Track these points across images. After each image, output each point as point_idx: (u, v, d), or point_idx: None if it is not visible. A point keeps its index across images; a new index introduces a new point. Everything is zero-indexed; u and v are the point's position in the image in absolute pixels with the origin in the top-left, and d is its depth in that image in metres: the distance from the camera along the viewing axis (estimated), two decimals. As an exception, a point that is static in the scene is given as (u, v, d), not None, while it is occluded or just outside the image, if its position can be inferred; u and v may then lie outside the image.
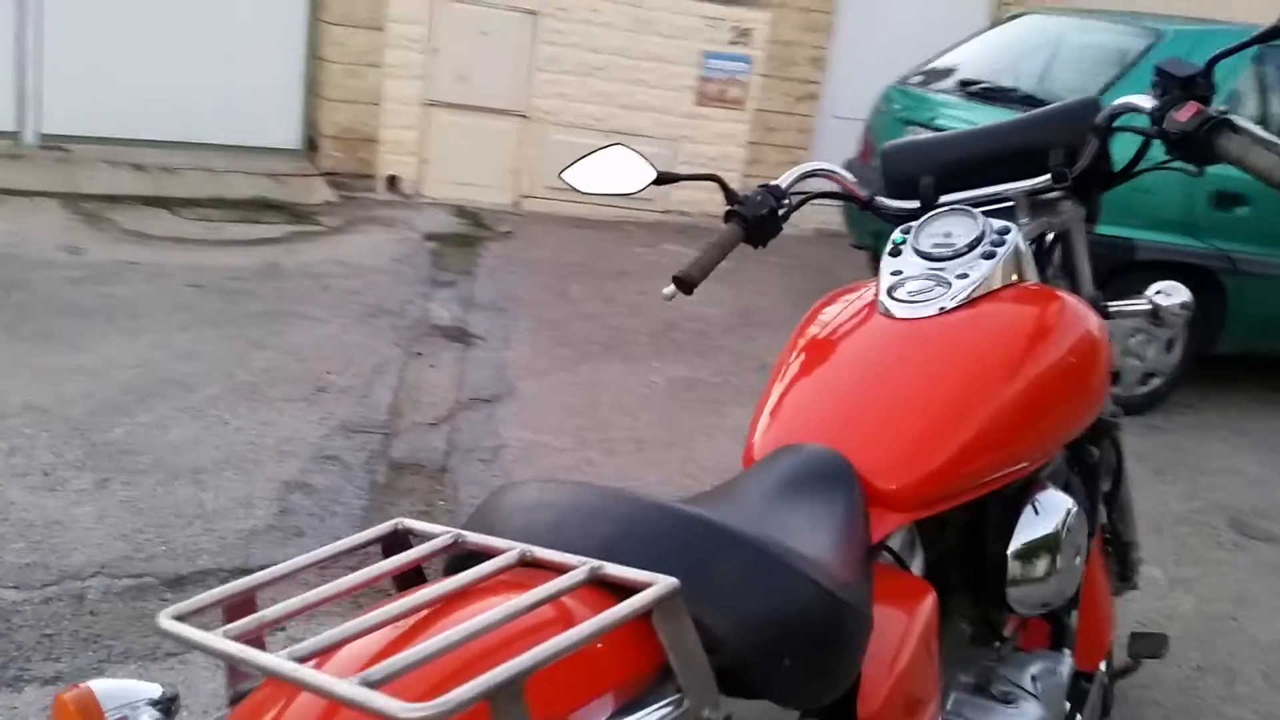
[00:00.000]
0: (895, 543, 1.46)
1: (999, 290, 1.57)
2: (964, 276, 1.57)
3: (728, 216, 1.74)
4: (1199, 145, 1.59)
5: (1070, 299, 1.60)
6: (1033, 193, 1.73)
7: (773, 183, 1.77)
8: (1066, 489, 1.69)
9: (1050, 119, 1.80)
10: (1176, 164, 1.67)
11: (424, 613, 0.92)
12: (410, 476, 3.11)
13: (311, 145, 6.38)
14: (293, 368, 3.70)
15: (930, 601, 1.31)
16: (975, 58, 5.33)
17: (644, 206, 6.51)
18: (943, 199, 1.77)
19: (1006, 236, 1.63)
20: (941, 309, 1.53)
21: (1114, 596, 2.10)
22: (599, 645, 0.91)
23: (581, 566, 0.94)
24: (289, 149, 6.31)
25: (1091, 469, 1.81)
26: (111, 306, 4.00)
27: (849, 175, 1.85)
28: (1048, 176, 1.71)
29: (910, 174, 1.80)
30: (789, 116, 7.27)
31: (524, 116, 6.46)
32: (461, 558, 1.03)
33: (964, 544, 1.59)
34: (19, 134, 5.57)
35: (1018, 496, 1.55)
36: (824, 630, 1.08)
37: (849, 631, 1.11)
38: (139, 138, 5.79)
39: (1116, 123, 1.69)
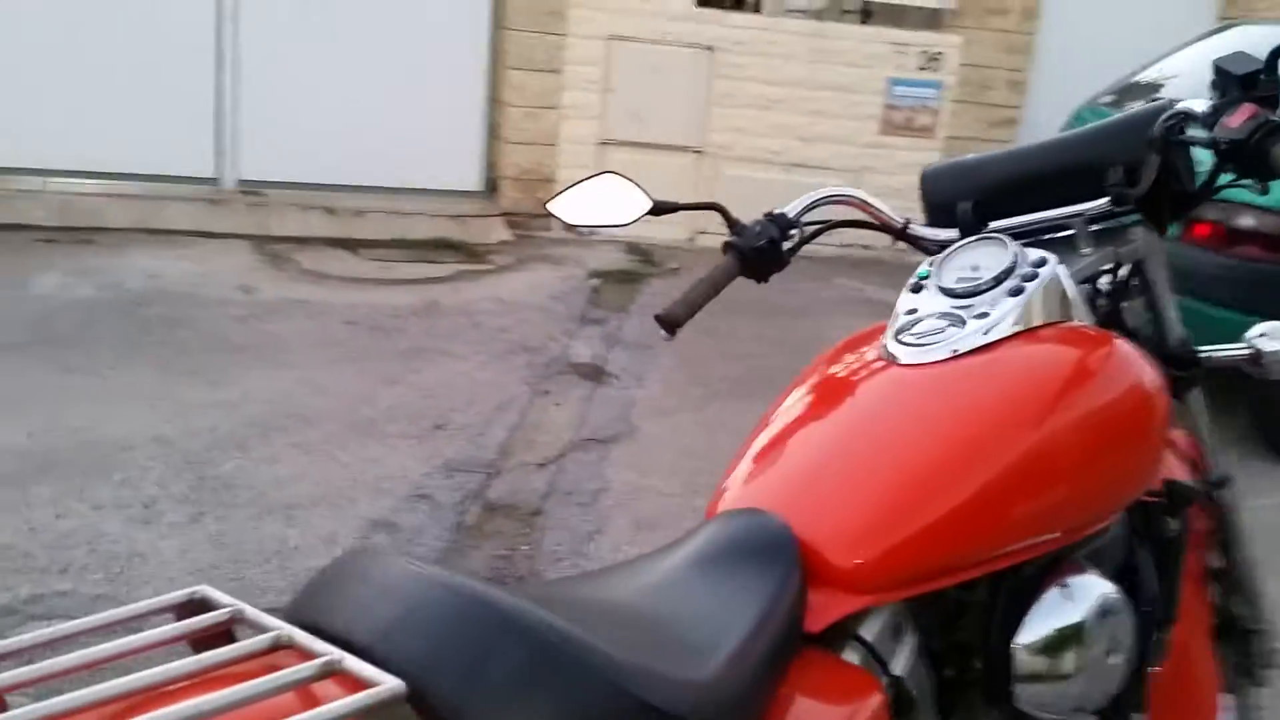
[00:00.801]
0: (874, 628, 1.23)
1: (1028, 332, 1.35)
2: (983, 316, 1.36)
3: (725, 248, 1.59)
4: (1251, 155, 1.35)
5: (1119, 343, 1.37)
6: (1093, 218, 1.50)
7: (779, 210, 1.59)
8: (1128, 570, 1.43)
9: (1107, 133, 1.56)
10: (1244, 179, 1.42)
11: (161, 689, 0.84)
12: (500, 519, 3.06)
13: (492, 186, 6.54)
14: (417, 405, 3.75)
15: (875, 702, 1.13)
16: (1177, 72, 4.88)
17: (825, 241, 6.30)
18: (992, 226, 1.56)
19: (1041, 270, 1.41)
20: (954, 352, 1.32)
21: (1235, 694, 1.80)
22: None
23: (323, 658, 0.84)
24: (472, 190, 6.50)
25: (1169, 544, 1.52)
26: (266, 343, 4.18)
27: (876, 201, 1.64)
28: (1107, 200, 1.49)
29: (950, 199, 1.60)
30: (984, 143, 6.88)
31: (699, 152, 6.40)
32: None
33: (979, 631, 1.37)
34: (218, 180, 5.97)
35: (1038, 577, 1.31)
36: None
37: None
38: (331, 182, 6.09)
39: (1177, 133, 1.44)
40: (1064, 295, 1.41)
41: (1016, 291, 1.39)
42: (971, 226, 1.56)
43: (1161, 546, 1.49)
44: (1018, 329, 1.35)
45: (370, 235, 5.83)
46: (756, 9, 6.79)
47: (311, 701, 0.82)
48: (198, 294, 4.67)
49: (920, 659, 1.29)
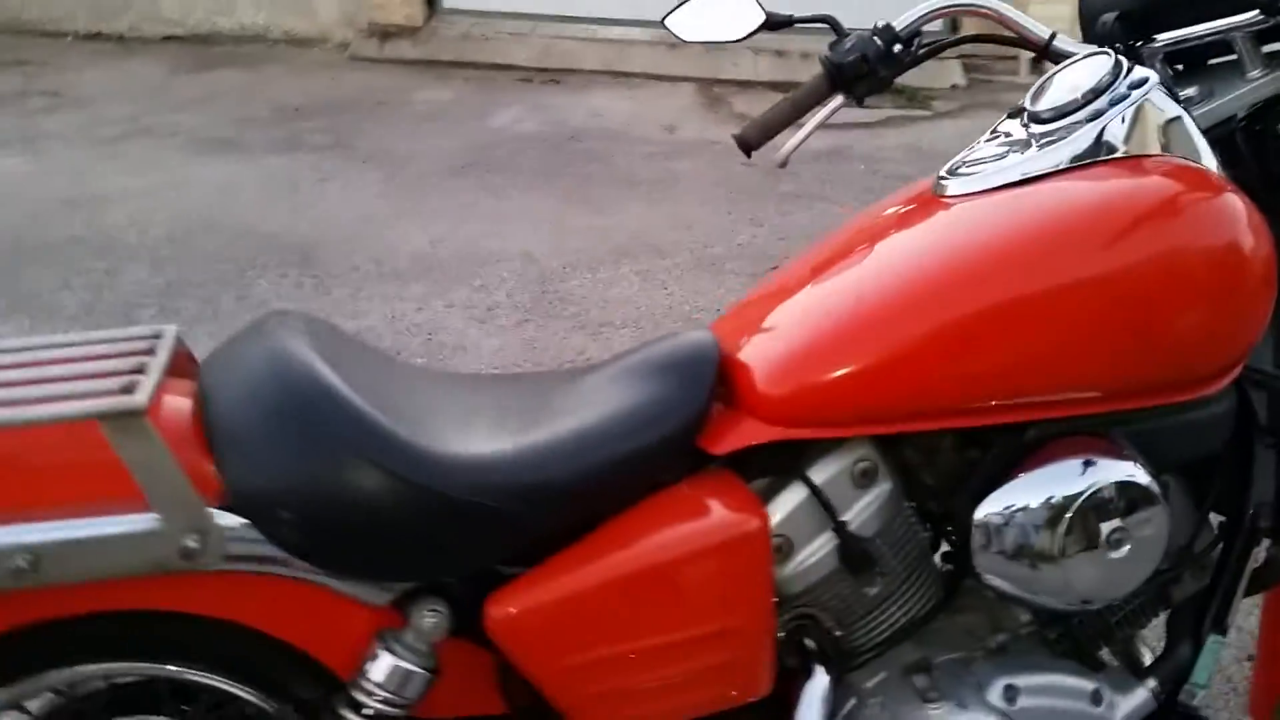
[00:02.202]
0: (826, 470, 1.23)
1: (1101, 164, 1.22)
2: (1052, 142, 1.25)
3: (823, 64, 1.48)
4: None
5: (1223, 187, 1.20)
6: (1262, 33, 1.29)
7: (885, 23, 1.44)
8: (1222, 465, 1.30)
9: None
10: None
11: None
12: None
13: (953, 26, 6.25)
14: (769, 246, 3.88)
15: (753, 526, 1.17)
16: None
17: None
18: (1143, 45, 1.38)
19: (1134, 91, 1.25)
20: (1006, 182, 1.23)
21: None
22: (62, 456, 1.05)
23: (133, 359, 1.07)
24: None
25: (1245, 439, 1.31)
26: (662, 179, 4.50)
27: (1012, 11, 1.43)
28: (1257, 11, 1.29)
29: (1104, 8, 1.41)
30: None
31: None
32: None
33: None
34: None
35: (1046, 444, 1.22)
36: (348, 497, 1.08)
37: (411, 513, 1.09)
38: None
39: None
40: (1163, 123, 1.23)
41: (1096, 115, 1.25)
42: (1118, 42, 1.36)
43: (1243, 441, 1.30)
44: (1097, 158, 1.22)
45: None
46: None
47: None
48: (626, 132, 5.09)
49: (899, 517, 1.27)
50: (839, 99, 1.44)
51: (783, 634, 1.26)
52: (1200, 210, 1.21)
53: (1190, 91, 1.33)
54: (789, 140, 1.46)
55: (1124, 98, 1.25)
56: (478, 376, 1.37)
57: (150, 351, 1.09)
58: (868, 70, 1.41)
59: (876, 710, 1.27)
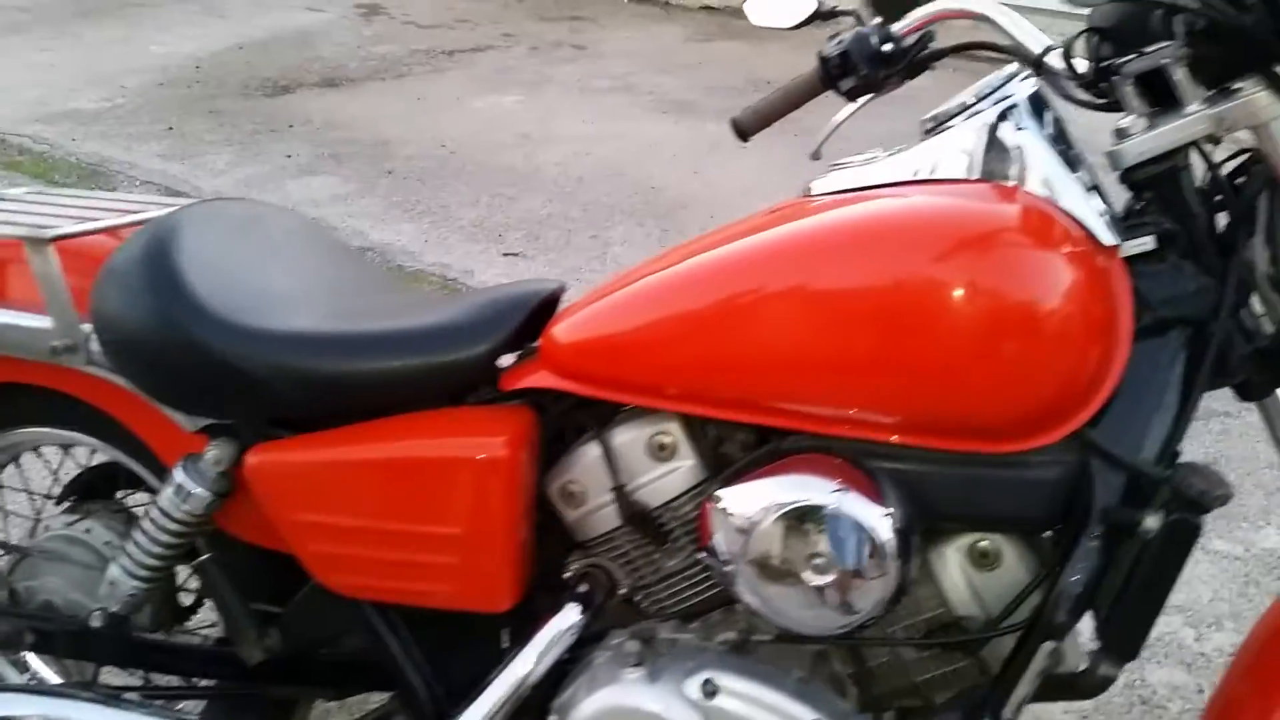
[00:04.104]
0: (623, 434, 1.28)
1: (931, 181, 1.18)
2: (899, 153, 1.24)
3: None
4: None
5: (1049, 224, 1.10)
6: (1205, 66, 1.12)
7: (881, 20, 1.39)
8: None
9: None
10: None
11: None
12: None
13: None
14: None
15: (500, 454, 1.27)
16: None
17: None
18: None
19: (989, 110, 1.20)
20: (849, 188, 1.23)
21: None
22: None
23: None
24: None
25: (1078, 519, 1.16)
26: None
27: (1010, 20, 1.29)
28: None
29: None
30: None
31: None
32: None
33: None
34: None
35: (793, 455, 1.19)
36: (157, 347, 1.35)
37: (202, 367, 1.33)
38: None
39: None
40: (1017, 147, 1.15)
41: (935, 132, 1.23)
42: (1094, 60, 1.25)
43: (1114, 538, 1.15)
44: (923, 175, 1.18)
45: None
46: None
47: None
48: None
49: (689, 489, 1.29)
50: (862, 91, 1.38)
51: (570, 573, 1.34)
52: (1014, 248, 1.10)
53: (1127, 122, 1.16)
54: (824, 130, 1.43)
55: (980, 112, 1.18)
56: (366, 272, 1.56)
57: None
58: (852, 69, 1.36)
59: (592, 661, 1.30)
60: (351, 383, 1.33)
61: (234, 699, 1.61)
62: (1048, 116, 1.20)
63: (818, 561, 1.13)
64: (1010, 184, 1.14)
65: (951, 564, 1.20)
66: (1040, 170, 1.14)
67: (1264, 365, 1.18)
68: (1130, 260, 1.13)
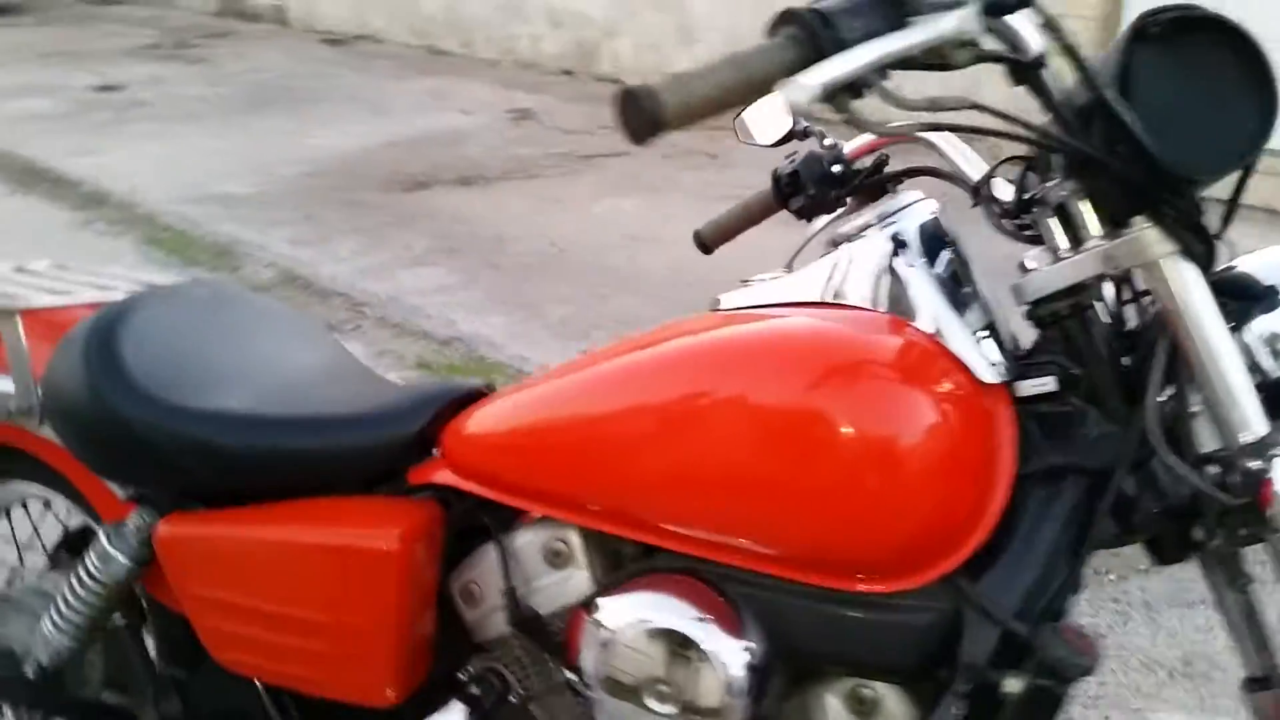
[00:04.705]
0: (521, 539, 1.26)
1: (805, 304, 1.16)
2: (795, 272, 1.25)
3: None
4: None
5: (907, 358, 1.07)
6: (1093, 192, 1.06)
7: (834, 142, 1.41)
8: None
9: None
10: None
11: None
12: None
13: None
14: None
15: (387, 547, 1.25)
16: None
17: None
18: None
19: (864, 233, 1.20)
20: (742, 306, 1.22)
21: None
22: None
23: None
24: None
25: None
26: None
27: (956, 148, 1.29)
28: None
29: None
30: None
31: None
32: None
33: None
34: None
35: (651, 573, 1.17)
36: (86, 420, 1.39)
37: (123, 441, 1.37)
38: None
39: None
40: (888, 274, 1.12)
41: (826, 254, 1.23)
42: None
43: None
44: (802, 299, 1.16)
45: None
46: None
47: None
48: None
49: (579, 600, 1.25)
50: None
51: (472, 671, 1.31)
52: (886, 381, 1.06)
53: (1031, 255, 1.10)
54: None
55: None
56: (332, 361, 1.57)
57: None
58: (802, 188, 1.35)
59: None
60: (252, 462, 1.34)
61: None
62: (944, 252, 1.15)
63: (662, 688, 1.10)
64: (900, 317, 1.08)
65: (830, 708, 1.13)
66: (926, 306, 1.08)
67: (1173, 526, 1.05)
68: (1031, 401, 1.07)
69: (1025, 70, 0.99)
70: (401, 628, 1.27)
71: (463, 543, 1.31)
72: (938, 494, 1.03)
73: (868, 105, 0.95)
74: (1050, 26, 0.98)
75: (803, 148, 1.39)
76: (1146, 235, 0.99)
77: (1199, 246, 0.99)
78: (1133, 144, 0.94)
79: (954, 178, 1.26)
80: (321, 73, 7.93)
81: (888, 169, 1.35)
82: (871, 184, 1.34)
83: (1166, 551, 1.09)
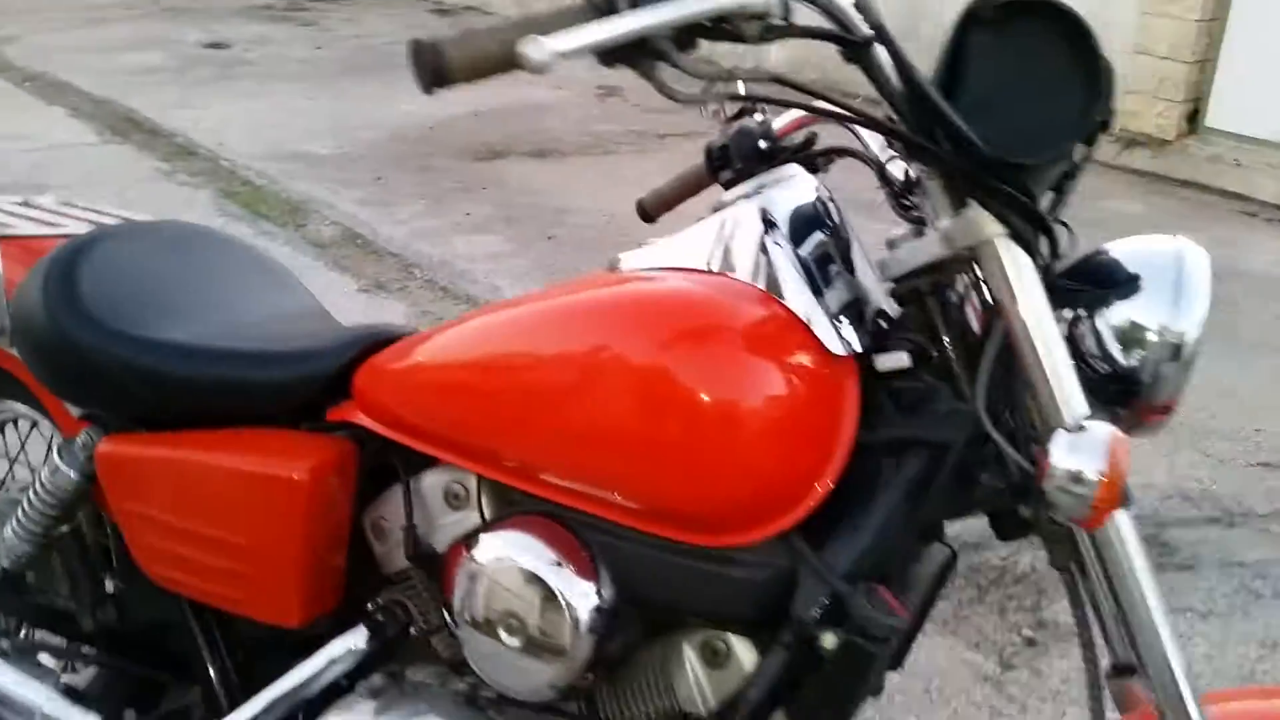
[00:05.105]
0: (425, 479, 1.31)
1: (675, 269, 1.19)
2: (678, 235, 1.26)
3: None
4: None
5: (793, 329, 1.10)
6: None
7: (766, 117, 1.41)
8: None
9: None
10: None
11: None
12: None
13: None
14: None
15: (294, 477, 1.31)
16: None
17: None
18: None
19: (732, 204, 1.23)
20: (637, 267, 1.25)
21: None
22: None
23: None
24: None
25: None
26: None
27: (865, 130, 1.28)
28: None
29: None
30: None
31: None
32: None
33: None
34: None
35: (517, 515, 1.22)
36: (45, 344, 1.47)
37: (74, 365, 1.44)
38: None
39: None
40: (757, 244, 1.14)
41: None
42: None
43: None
44: (681, 263, 1.18)
45: None
46: None
47: None
48: None
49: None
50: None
51: (380, 602, 1.36)
52: (733, 345, 1.10)
53: (896, 233, 1.15)
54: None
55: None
56: (287, 300, 1.62)
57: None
58: (729, 162, 1.36)
59: (352, 690, 1.35)
60: (184, 389, 1.41)
61: (112, 669, 1.68)
62: (817, 233, 1.17)
63: (513, 623, 1.15)
64: (760, 288, 1.11)
65: (686, 657, 1.17)
66: (787, 281, 1.11)
67: (1010, 504, 1.05)
68: (890, 376, 1.11)
69: (856, 50, 0.97)
70: (309, 554, 1.33)
71: (379, 480, 1.35)
72: (775, 456, 1.06)
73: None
74: (860, 8, 0.98)
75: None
76: (977, 217, 1.00)
77: (1028, 230, 0.99)
78: (951, 129, 0.96)
79: (866, 158, 1.26)
80: (423, 43, 8.04)
81: (816, 146, 1.34)
82: (799, 160, 1.32)
83: (1006, 529, 1.11)
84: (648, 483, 1.09)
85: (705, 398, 1.06)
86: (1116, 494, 0.93)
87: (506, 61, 0.88)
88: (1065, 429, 0.96)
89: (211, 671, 1.49)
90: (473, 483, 1.26)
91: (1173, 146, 5.56)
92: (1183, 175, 5.40)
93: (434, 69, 0.88)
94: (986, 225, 0.99)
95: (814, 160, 1.31)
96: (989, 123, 0.96)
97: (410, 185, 5.13)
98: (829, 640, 1.03)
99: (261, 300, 1.60)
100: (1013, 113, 0.97)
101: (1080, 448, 0.94)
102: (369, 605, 1.36)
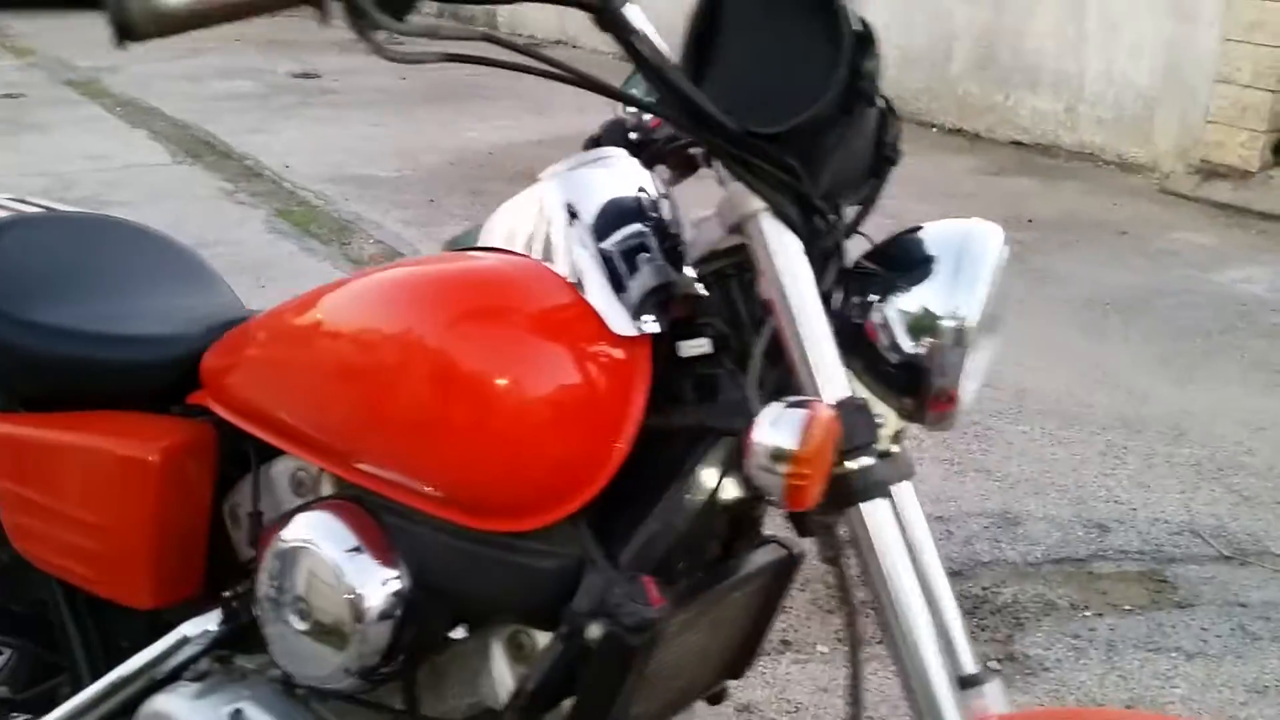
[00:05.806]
0: (276, 465, 1.30)
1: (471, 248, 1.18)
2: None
3: None
4: None
5: (581, 313, 1.06)
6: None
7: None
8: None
9: None
10: None
11: None
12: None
13: None
14: None
15: (146, 458, 1.32)
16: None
17: None
18: None
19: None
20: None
21: None
22: None
23: None
24: None
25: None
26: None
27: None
28: None
29: None
30: None
31: None
32: None
33: None
34: None
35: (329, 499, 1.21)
36: None
37: None
38: None
39: None
40: (550, 231, 1.11)
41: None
42: None
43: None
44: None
45: None
46: None
47: None
48: None
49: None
50: None
51: (237, 590, 1.32)
52: (514, 327, 1.08)
53: (699, 214, 1.08)
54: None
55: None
56: (191, 291, 1.62)
57: None
58: None
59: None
60: (51, 368, 1.43)
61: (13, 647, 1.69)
62: (629, 226, 1.11)
63: (302, 606, 1.13)
64: (557, 273, 1.07)
65: (494, 653, 1.15)
66: (583, 267, 1.06)
67: None
68: (693, 362, 1.05)
69: (600, 16, 0.91)
70: (162, 537, 1.33)
71: (244, 465, 1.33)
72: (555, 439, 1.02)
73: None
74: None
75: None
76: (737, 191, 0.96)
77: (788, 206, 0.94)
78: (688, 102, 0.91)
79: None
80: (504, 73, 8.16)
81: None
82: (670, 150, 1.24)
83: (803, 524, 1.04)
84: (437, 466, 1.07)
85: (484, 380, 1.03)
86: (816, 473, 0.84)
87: (201, 15, 0.83)
88: (777, 405, 0.87)
89: (74, 650, 1.49)
90: (315, 469, 1.24)
91: (1255, 178, 5.28)
92: (1263, 207, 5.11)
93: (119, 24, 0.84)
94: (746, 200, 0.95)
95: (684, 150, 1.22)
96: (744, 93, 0.92)
97: (459, 207, 5.17)
98: (593, 631, 1.00)
99: (162, 290, 1.58)
100: (766, 82, 0.93)
101: (780, 423, 0.86)
102: (225, 592, 1.34)
